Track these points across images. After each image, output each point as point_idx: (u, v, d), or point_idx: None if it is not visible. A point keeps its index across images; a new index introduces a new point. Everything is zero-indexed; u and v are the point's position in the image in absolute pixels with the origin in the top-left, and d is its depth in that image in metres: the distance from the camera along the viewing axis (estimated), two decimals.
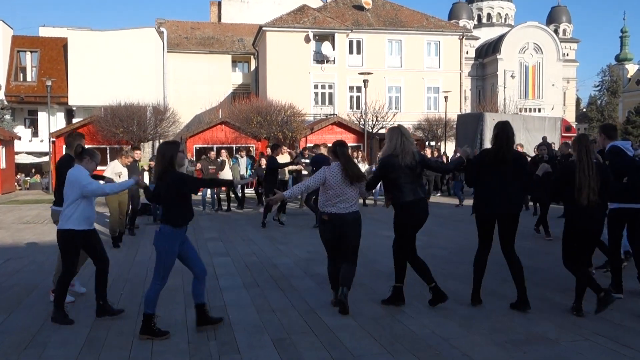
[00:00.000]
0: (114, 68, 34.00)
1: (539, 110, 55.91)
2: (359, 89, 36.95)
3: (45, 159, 32.95)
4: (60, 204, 6.14)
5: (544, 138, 22.17)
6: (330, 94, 38.04)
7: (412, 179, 6.05)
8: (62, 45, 37.07)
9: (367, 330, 5.42)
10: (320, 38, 37.41)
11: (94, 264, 6.07)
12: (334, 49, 37.31)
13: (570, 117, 56.32)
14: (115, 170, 10.56)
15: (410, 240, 6.23)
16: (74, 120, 32.82)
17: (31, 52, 38.12)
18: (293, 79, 35.57)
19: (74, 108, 36.32)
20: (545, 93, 59.71)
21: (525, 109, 53.21)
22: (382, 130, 30.11)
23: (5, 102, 35.90)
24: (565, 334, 5.26)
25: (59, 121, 36.26)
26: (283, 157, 15.21)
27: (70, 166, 6.07)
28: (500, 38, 61.77)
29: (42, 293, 6.97)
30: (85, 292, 6.82)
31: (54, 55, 37.52)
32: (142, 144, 25.18)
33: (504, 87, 56.90)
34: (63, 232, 5.80)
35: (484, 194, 6.04)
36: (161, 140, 31.19)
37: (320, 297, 6.65)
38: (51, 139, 25.24)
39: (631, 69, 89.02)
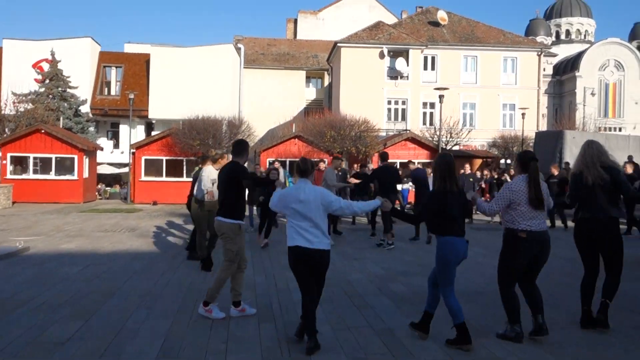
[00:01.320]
0: (192, 83, 35.03)
1: (620, 129, 53.55)
2: (432, 105, 36.52)
3: (125, 169, 34.14)
4: (227, 215, 6.29)
5: (630, 157, 21.06)
6: (403, 110, 37.71)
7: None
8: (144, 60, 38.52)
9: (449, 355, 5.16)
10: (394, 54, 37.24)
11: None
12: (407, 65, 37.04)
13: None
14: (212, 177, 9.16)
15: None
16: (153, 133, 33.87)
17: (116, 67, 39.81)
18: (366, 94, 35.51)
19: (154, 121, 37.57)
20: (627, 112, 57.18)
21: (605, 128, 51.09)
22: (456, 147, 29.59)
23: (90, 115, 37.52)
24: None
25: (139, 133, 37.61)
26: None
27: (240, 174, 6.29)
28: (579, 55, 59.76)
29: (117, 301, 7.06)
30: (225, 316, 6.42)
31: (137, 70, 39.03)
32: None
33: (584, 105, 54.86)
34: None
35: None
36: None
37: (396, 316, 6.43)
38: (131, 150, 26.10)
39: None
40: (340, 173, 14.48)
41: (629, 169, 14.77)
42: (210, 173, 9.25)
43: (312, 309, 5.23)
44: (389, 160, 12.78)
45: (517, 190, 5.48)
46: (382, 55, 36.91)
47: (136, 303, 6.94)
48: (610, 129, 52.61)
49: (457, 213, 5.45)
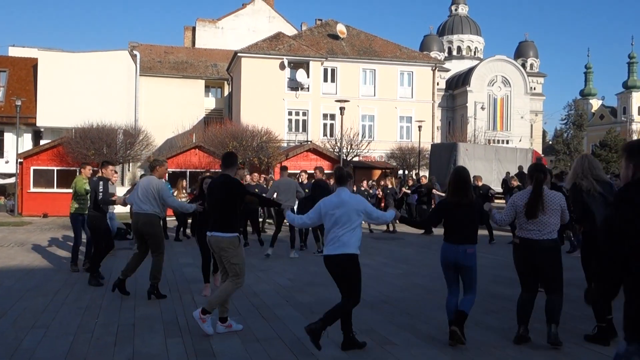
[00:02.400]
0: (84, 90, 33.44)
1: (507, 141, 56.87)
2: (332, 117, 37.09)
3: (11, 180, 32.08)
4: (226, 229, 6.06)
5: (520, 168, 22.47)
6: (304, 121, 38.04)
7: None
8: (31, 65, 36.42)
9: None
10: (295, 65, 37.51)
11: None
12: (308, 77, 37.42)
13: (537, 149, 57.26)
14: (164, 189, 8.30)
15: None
16: (42, 142, 32.08)
17: None
18: (267, 105, 35.51)
19: (42, 129, 35.56)
20: (513, 125, 60.89)
21: (494, 140, 54.07)
22: (356, 158, 30.19)
23: None
24: None
25: (25, 142, 35.43)
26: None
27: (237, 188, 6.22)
28: (470, 70, 62.98)
29: (10, 321, 6.58)
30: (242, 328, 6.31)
31: (23, 75, 36.80)
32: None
33: (474, 119, 57.77)
34: (353, 256, 5.47)
35: None
36: (131, 164, 30.79)
37: (304, 327, 6.40)
38: (18, 160, 24.61)
39: (595, 103, 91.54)
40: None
41: (515, 182, 15.78)
42: (161, 185, 7.94)
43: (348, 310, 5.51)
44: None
45: (519, 200, 5.75)
46: (282, 67, 37.08)
47: (31, 322, 6.50)
48: (498, 141, 55.73)
49: (459, 223, 5.67)
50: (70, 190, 10.00)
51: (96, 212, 9.19)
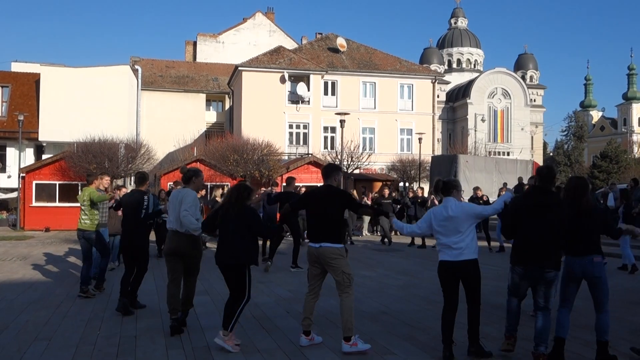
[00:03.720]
0: (86, 104, 33.62)
1: (508, 153, 57.01)
2: (333, 130, 37.20)
3: (13, 195, 32.19)
4: (335, 241, 5.94)
5: (520, 179, 22.54)
6: (305, 134, 38.17)
7: None
8: (34, 80, 36.64)
9: None
10: (295, 79, 37.71)
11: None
12: (308, 90, 37.60)
13: (538, 161, 57.40)
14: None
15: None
16: (44, 157, 32.19)
17: (2, 87, 37.57)
18: (268, 118, 35.65)
19: (44, 144, 35.70)
20: (514, 137, 61.09)
21: (495, 152, 54.20)
22: (357, 171, 30.28)
23: None
24: None
25: (27, 157, 35.56)
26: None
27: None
28: (470, 83, 63.25)
29: (12, 334, 6.63)
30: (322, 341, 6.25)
31: (26, 90, 37.00)
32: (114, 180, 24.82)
33: (475, 130, 57.93)
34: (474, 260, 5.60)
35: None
36: (133, 177, 30.86)
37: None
38: (21, 175, 24.73)
39: (595, 115, 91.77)
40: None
41: (479, 193, 16.30)
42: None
43: (451, 318, 5.55)
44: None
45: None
46: (283, 80, 37.27)
47: (33, 335, 6.54)
48: (499, 153, 55.85)
49: (582, 232, 5.55)
50: (78, 204, 9.37)
51: (139, 229, 7.85)
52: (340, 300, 5.90)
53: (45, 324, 7.07)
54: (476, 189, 16.65)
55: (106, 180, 9.82)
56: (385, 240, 18.23)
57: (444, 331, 5.55)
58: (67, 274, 11.38)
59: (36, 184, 24.54)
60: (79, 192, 23.07)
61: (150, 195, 8.07)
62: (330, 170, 6.29)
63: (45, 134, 34.33)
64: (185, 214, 6.49)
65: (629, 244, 12.49)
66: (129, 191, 9.35)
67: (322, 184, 6.26)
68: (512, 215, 5.70)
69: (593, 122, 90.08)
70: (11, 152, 35.73)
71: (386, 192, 20.34)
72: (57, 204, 24.37)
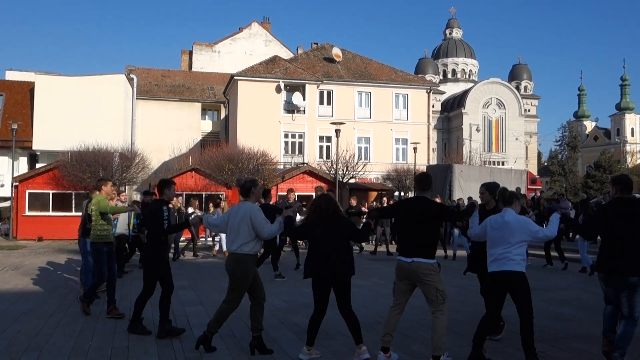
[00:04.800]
0: (81, 113, 33.51)
1: (503, 163, 57.13)
2: (328, 139, 37.19)
3: (6, 204, 32.00)
4: (429, 256, 5.79)
5: (518, 189, 22.65)
6: (300, 144, 38.18)
7: None
8: (28, 89, 36.56)
9: None
10: (291, 88, 37.75)
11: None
12: (304, 99, 37.64)
13: (533, 171, 57.64)
14: None
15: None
16: (37, 165, 32.07)
17: None
18: (263, 128, 35.64)
19: (38, 153, 35.57)
20: (508, 146, 61.26)
21: (490, 162, 54.31)
22: (352, 180, 30.26)
23: None
24: None
25: (21, 166, 35.40)
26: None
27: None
28: (465, 93, 63.48)
29: (4, 344, 6.55)
30: None
31: (20, 99, 36.91)
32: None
33: (470, 140, 58.07)
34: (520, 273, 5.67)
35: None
36: (127, 187, 30.77)
37: (299, 348, 6.39)
38: (14, 184, 24.60)
39: (589, 125, 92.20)
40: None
41: (353, 202, 17.23)
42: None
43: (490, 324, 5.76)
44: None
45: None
46: (278, 90, 37.31)
47: (25, 346, 6.47)
48: (494, 162, 55.97)
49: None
50: (71, 213, 8.89)
51: (157, 245, 7.08)
52: (433, 318, 5.65)
53: (37, 335, 6.99)
54: (470, 199, 16.79)
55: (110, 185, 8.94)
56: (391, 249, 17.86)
57: (480, 333, 5.65)
58: (60, 285, 11.28)
59: (29, 193, 24.43)
60: (74, 201, 22.99)
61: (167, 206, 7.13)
62: (426, 182, 6.11)
63: (39, 143, 34.19)
64: (265, 230, 6.15)
65: (586, 248, 13.51)
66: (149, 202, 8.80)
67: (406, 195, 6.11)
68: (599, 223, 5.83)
69: (587, 132, 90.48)
70: (4, 161, 35.52)
71: (385, 200, 20.32)
72: (50, 213, 24.25)
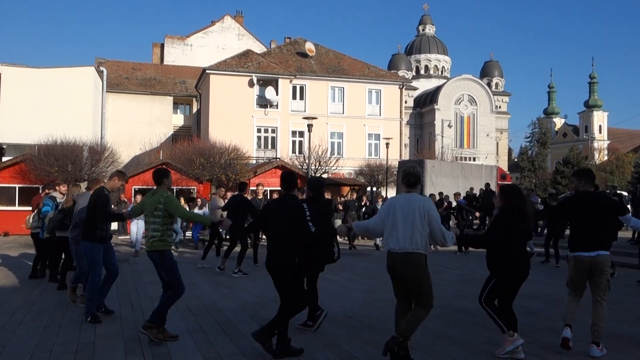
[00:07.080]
0: (49, 106, 32.86)
1: (474, 159, 57.71)
2: (301, 134, 37.16)
3: None
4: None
5: (487, 185, 22.97)
6: (273, 138, 38.07)
7: None
8: None
9: None
10: (263, 83, 37.60)
11: None
12: (277, 94, 37.52)
13: (503, 166, 58.34)
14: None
15: None
16: (4, 159, 31.39)
17: None
18: (236, 122, 35.45)
19: (4, 146, 34.83)
20: (480, 142, 61.91)
21: (461, 157, 54.82)
22: (325, 175, 30.27)
23: None
24: None
25: None
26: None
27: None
28: (437, 89, 63.96)
29: None
30: None
31: None
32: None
33: (442, 136, 58.55)
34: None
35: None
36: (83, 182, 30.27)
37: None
38: None
39: (558, 122, 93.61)
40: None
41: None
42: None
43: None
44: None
45: None
46: (251, 84, 37.12)
47: None
48: (465, 158, 56.50)
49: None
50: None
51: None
52: (598, 307, 5.97)
53: (0, 331, 6.83)
54: (457, 194, 17.30)
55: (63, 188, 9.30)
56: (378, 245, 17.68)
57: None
58: (24, 280, 11.06)
59: None
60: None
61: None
62: (590, 176, 6.29)
63: (5, 136, 33.45)
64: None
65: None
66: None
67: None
68: None
69: (556, 128, 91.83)
70: None
71: (354, 196, 20.35)
72: (16, 207, 23.74)
